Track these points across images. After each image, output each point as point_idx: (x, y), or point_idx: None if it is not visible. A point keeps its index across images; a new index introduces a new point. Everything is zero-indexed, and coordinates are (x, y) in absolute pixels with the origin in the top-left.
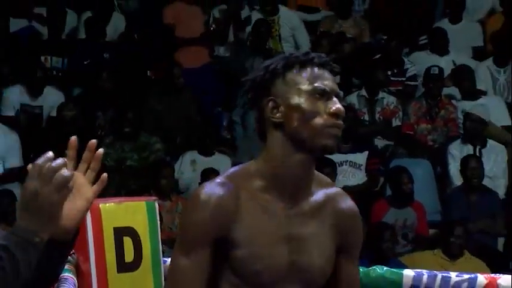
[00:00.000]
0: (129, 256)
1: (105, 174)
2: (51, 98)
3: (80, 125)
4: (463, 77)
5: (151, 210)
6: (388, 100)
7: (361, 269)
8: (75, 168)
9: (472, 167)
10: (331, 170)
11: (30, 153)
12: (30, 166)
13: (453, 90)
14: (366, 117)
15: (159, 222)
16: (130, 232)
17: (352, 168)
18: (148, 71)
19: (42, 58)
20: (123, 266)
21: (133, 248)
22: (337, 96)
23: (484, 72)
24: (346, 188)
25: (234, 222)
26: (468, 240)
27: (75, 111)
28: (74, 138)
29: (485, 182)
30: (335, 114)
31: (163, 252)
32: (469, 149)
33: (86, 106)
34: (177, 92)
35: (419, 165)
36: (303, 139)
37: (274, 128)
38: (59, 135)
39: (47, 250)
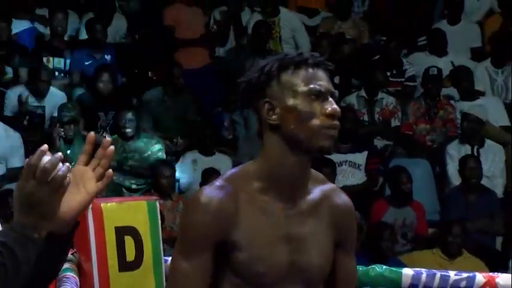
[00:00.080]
0: (130, 255)
1: (110, 171)
2: (53, 99)
3: (80, 125)
4: (462, 78)
5: (152, 209)
6: (387, 100)
7: (360, 268)
8: (88, 163)
9: (470, 167)
10: (330, 170)
11: (32, 153)
12: (25, 162)
13: (452, 91)
14: (365, 118)
15: (160, 222)
16: (132, 231)
17: (352, 168)
18: (149, 72)
19: (44, 59)
20: (124, 265)
21: (135, 247)
22: (332, 96)
23: (482, 73)
24: (345, 188)
25: (234, 225)
26: (467, 240)
27: (75, 111)
28: (92, 133)
29: (484, 181)
30: (331, 115)
31: (164, 251)
32: (467, 149)
33: (87, 106)
34: (177, 92)
35: (418, 165)
36: (300, 140)
37: (271, 129)
38: (61, 135)
39: (46, 246)
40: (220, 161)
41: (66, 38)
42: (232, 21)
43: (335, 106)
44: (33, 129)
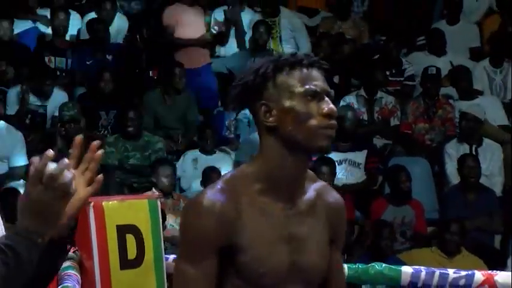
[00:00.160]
0: (131, 253)
1: (100, 176)
2: (55, 98)
3: (81, 124)
4: (460, 77)
5: (154, 208)
6: (387, 100)
7: (360, 266)
8: (77, 166)
9: (469, 165)
10: (330, 169)
11: (34, 152)
12: (31, 167)
13: (450, 90)
14: (365, 117)
15: (161, 220)
16: (133, 230)
17: (352, 167)
18: (150, 71)
19: (46, 59)
20: (126, 263)
21: (136, 245)
22: (328, 95)
23: (481, 72)
24: (345, 186)
25: (237, 228)
26: (465, 238)
27: (75, 110)
28: (79, 137)
29: (482, 180)
30: (328, 115)
31: (165, 250)
32: (465, 148)
33: (89, 106)
34: (178, 92)
35: (418, 164)
36: (298, 141)
37: (268, 131)
38: (62, 134)
39: (47, 249)
40: (221, 159)
41: (67, 38)
42: (232, 21)
43: (331, 106)
44: (35, 128)
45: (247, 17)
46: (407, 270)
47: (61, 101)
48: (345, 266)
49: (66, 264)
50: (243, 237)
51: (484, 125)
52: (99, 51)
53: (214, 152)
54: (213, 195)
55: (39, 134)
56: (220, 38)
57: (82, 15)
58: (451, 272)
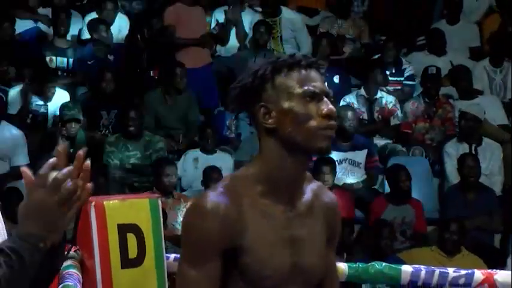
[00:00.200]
0: (132, 252)
1: (89, 185)
2: (56, 98)
3: (82, 124)
4: (460, 77)
5: (154, 207)
6: (387, 99)
7: (360, 265)
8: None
9: (468, 165)
10: (331, 168)
11: (35, 151)
12: (39, 174)
13: (450, 90)
14: (365, 117)
15: (161, 219)
16: (134, 229)
17: (352, 166)
18: (151, 71)
19: (47, 58)
20: (126, 262)
21: (137, 244)
22: (327, 96)
23: (481, 72)
24: (345, 186)
25: (240, 230)
26: (465, 237)
27: (76, 110)
28: (62, 146)
29: (482, 179)
30: (327, 116)
31: (166, 249)
32: (464, 148)
33: (90, 105)
34: (179, 91)
35: (417, 164)
36: (298, 142)
37: (267, 133)
38: (63, 134)
39: (49, 252)
40: (222, 159)
41: (69, 38)
42: (233, 20)
43: (331, 106)
44: (36, 128)
45: (248, 17)
46: (407, 269)
47: (62, 100)
48: (345, 265)
49: (67, 263)
50: (246, 239)
51: (484, 125)
52: (100, 51)
53: (215, 152)
54: (216, 197)
55: (40, 133)
56: (221, 38)
57: (83, 15)
58: (451, 271)
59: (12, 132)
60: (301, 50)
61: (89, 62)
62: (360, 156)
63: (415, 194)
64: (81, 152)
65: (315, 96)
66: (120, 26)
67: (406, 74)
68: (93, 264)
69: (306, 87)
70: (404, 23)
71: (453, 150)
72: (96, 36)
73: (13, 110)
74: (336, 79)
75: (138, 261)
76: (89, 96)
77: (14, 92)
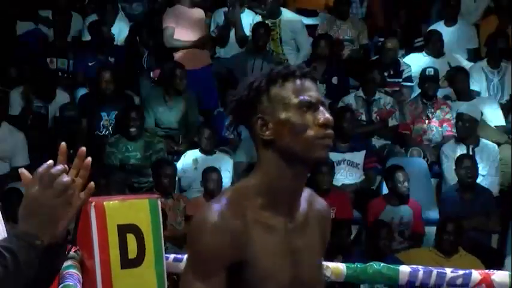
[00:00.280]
0: (132, 252)
1: (92, 184)
2: (57, 99)
3: (82, 125)
4: (458, 78)
5: (154, 208)
6: (385, 100)
7: (358, 265)
8: (77, 176)
9: (466, 166)
10: (329, 169)
11: (36, 152)
12: (35, 173)
13: (448, 91)
14: (363, 117)
15: (161, 220)
16: (134, 229)
17: (350, 167)
18: (151, 72)
19: (48, 60)
20: (126, 262)
21: (137, 245)
22: (322, 105)
23: (478, 73)
24: (344, 187)
25: (245, 243)
26: (463, 238)
27: (76, 110)
28: (63, 144)
29: (479, 180)
30: (324, 125)
31: (165, 249)
32: (462, 149)
33: (90, 106)
34: (179, 92)
35: (415, 165)
36: (296, 153)
37: (265, 145)
38: (64, 134)
39: (47, 251)
40: (221, 160)
41: (69, 39)
42: (233, 22)
43: (327, 115)
44: (37, 129)
45: (247, 19)
46: (405, 269)
47: (63, 101)
48: (344, 265)
49: (67, 263)
50: (251, 252)
51: (482, 126)
52: (101, 52)
53: (215, 153)
54: (222, 210)
55: (40, 134)
56: (220, 40)
57: (84, 17)
58: (449, 271)
59: (12, 133)
60: (301, 52)
61: (89, 64)
62: (358, 157)
63: (413, 195)
64: (83, 149)
65: (311, 106)
66: (120, 28)
67: (404, 76)
68: (93, 264)
69: (301, 97)
70: (403, 24)
71: (451, 151)
72: (96, 38)
73: (14, 111)
74: (335, 80)
75: (137, 261)
76: (89, 97)
77: (15, 93)
